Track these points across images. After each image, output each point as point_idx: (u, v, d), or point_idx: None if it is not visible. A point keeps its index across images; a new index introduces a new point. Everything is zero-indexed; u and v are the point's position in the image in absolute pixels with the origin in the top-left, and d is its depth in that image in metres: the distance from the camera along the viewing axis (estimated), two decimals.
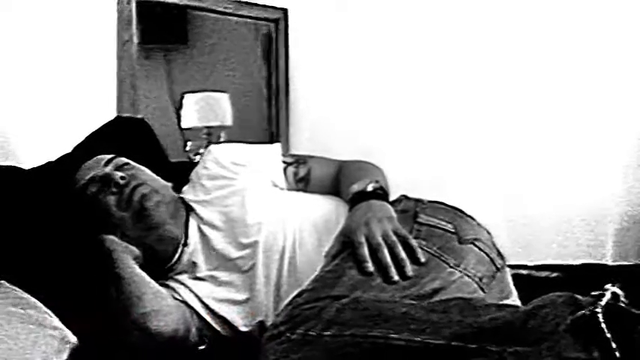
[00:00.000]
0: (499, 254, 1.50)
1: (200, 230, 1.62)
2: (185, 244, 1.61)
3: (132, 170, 1.63)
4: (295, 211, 1.61)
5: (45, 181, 1.72)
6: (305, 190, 1.71)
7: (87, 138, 1.90)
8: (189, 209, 1.65)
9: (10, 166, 1.82)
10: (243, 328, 1.55)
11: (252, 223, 1.57)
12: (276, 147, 1.79)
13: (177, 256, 1.61)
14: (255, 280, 1.55)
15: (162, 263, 1.62)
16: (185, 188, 1.70)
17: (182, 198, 1.67)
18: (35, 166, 1.82)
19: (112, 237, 1.55)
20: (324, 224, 1.57)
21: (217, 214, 1.61)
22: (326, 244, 1.46)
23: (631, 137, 2.57)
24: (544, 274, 2.03)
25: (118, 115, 2.31)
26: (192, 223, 1.63)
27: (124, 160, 1.66)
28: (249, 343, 1.46)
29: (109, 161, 1.64)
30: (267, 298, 1.54)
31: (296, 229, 1.57)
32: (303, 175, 1.71)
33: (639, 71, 2.53)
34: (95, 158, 1.66)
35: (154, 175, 1.66)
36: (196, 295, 1.57)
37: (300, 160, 1.74)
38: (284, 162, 1.73)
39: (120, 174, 1.59)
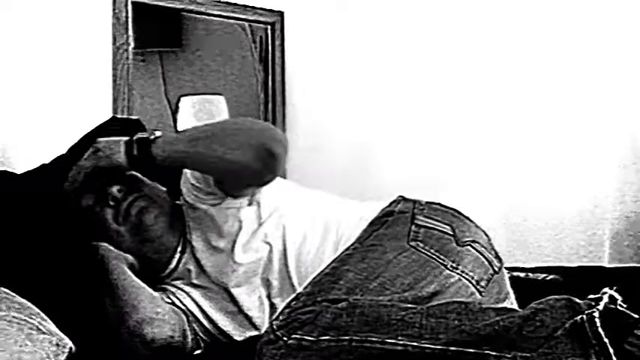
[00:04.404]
0: (497, 256, 1.50)
1: (200, 237, 1.59)
2: (182, 252, 1.60)
3: (129, 181, 1.58)
4: (296, 213, 1.58)
5: (39, 185, 1.70)
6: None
7: (82, 139, 1.85)
8: (185, 210, 1.63)
9: (2, 171, 1.81)
10: (239, 338, 1.54)
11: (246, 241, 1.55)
12: None
13: (173, 264, 1.59)
14: (250, 291, 1.54)
15: (158, 271, 1.60)
16: (184, 191, 1.64)
17: (179, 204, 1.65)
18: (29, 170, 1.80)
19: (105, 244, 1.53)
20: (323, 226, 1.56)
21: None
22: (324, 250, 1.47)
23: (626, 138, 2.57)
24: (541, 276, 2.02)
25: (114, 116, 2.30)
26: (189, 230, 1.60)
27: None
28: (246, 348, 1.45)
29: None
30: (263, 310, 1.53)
31: (295, 235, 1.54)
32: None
33: (633, 72, 2.53)
34: None
35: (151, 183, 1.63)
36: (193, 300, 1.56)
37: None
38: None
39: (117, 187, 1.55)
